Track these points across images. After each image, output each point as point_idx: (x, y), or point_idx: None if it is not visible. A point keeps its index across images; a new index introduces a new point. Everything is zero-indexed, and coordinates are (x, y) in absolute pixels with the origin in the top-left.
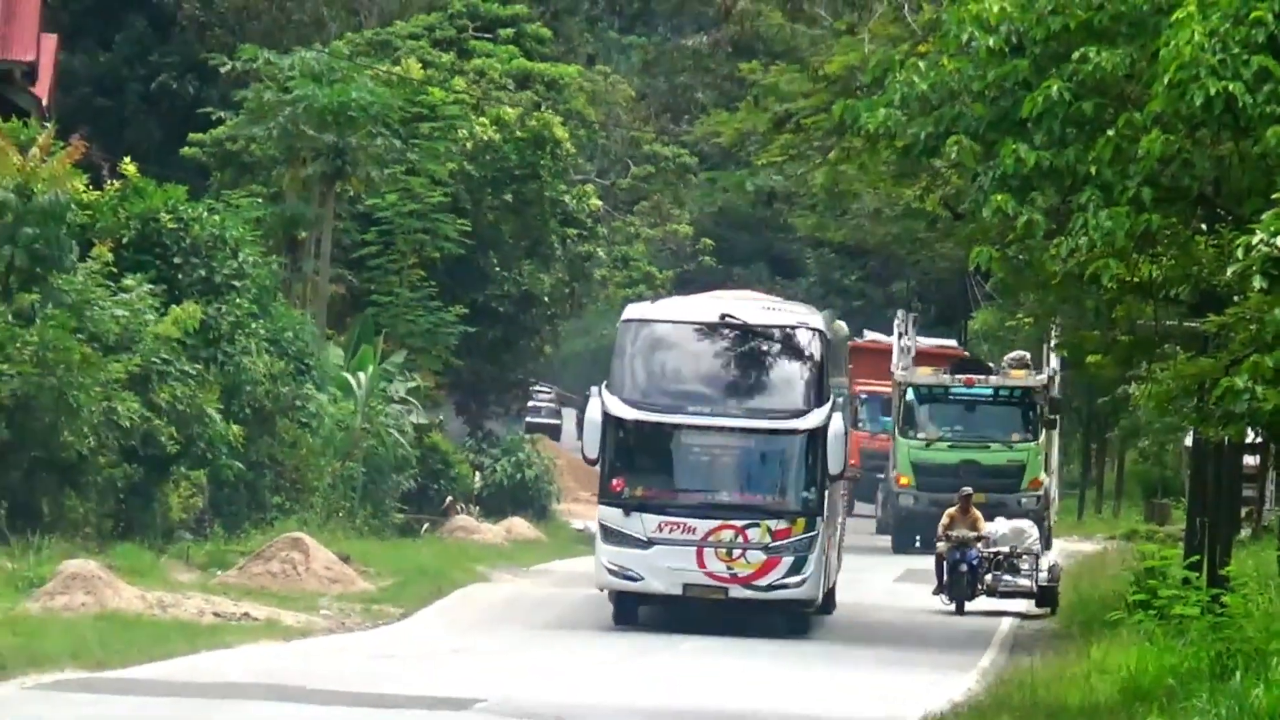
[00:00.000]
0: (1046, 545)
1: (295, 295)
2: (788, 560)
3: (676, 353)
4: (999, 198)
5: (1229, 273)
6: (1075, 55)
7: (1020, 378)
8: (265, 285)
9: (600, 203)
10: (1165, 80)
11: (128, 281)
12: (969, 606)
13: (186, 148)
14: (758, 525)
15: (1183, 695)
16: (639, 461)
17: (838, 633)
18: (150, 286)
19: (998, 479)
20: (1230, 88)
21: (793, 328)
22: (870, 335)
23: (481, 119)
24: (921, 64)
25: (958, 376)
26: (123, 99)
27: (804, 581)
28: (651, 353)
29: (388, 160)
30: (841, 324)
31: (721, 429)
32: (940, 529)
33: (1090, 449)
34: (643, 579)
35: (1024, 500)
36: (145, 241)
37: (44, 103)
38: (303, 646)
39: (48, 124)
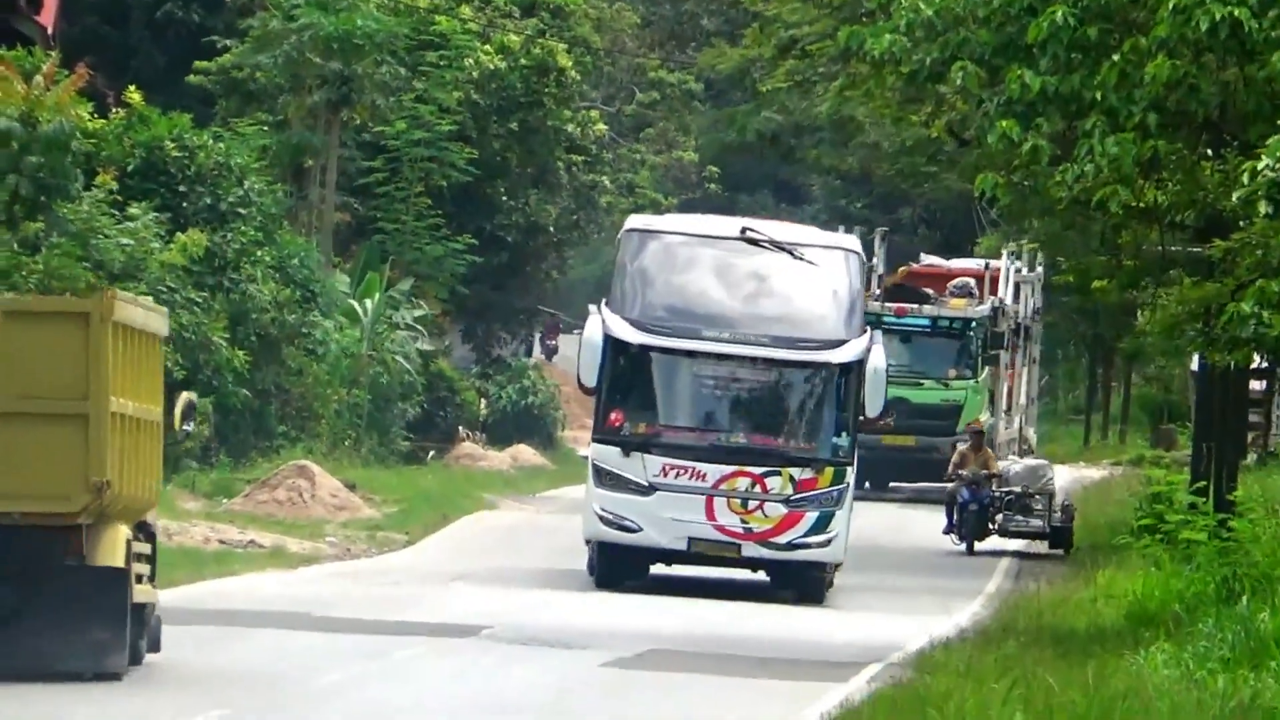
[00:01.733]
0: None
1: (301, 223)
2: (811, 516)
3: (689, 270)
4: (1004, 124)
5: (1235, 198)
6: None
7: (959, 307)
8: (271, 213)
9: (606, 130)
10: (1170, 5)
11: (133, 210)
12: (979, 546)
13: (192, 76)
14: (779, 473)
15: (1189, 620)
16: (643, 393)
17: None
18: (155, 215)
19: (930, 420)
20: (1236, 12)
21: (825, 247)
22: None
23: (486, 47)
24: None
25: (888, 305)
26: (127, 27)
27: (829, 541)
28: (660, 269)
29: (394, 88)
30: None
31: (741, 358)
32: (951, 467)
33: (1096, 374)
34: (641, 530)
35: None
36: (150, 170)
37: (48, 31)
38: (309, 574)
39: (52, 52)
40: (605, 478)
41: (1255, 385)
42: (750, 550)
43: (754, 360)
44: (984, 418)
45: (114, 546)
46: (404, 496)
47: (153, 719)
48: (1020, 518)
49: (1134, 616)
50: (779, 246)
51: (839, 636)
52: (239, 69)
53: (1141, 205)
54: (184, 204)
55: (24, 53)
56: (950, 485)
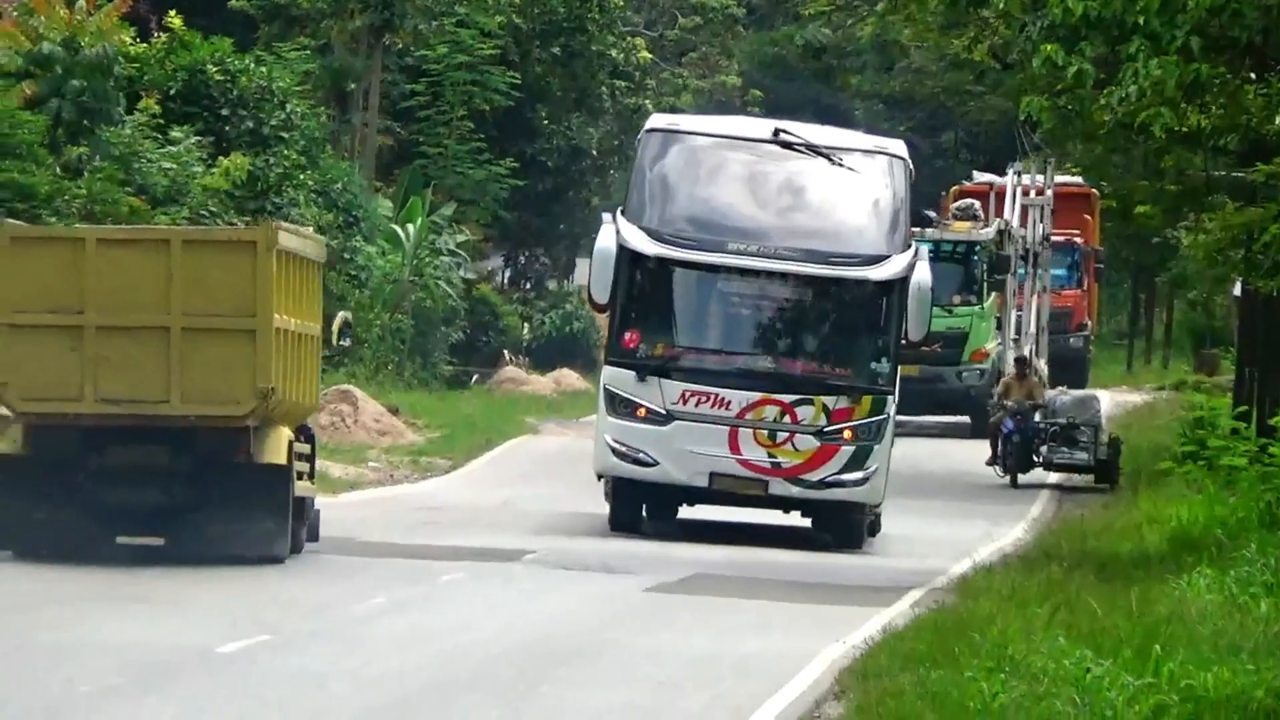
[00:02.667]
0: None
1: (343, 147)
2: (847, 450)
3: (715, 175)
4: (1048, 47)
5: (1278, 121)
6: None
7: (963, 230)
8: (313, 137)
9: (649, 55)
10: None
11: (175, 134)
12: (1023, 479)
13: (233, 1)
14: (810, 402)
15: (1232, 546)
16: (660, 311)
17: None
18: (198, 138)
19: (938, 349)
20: None
21: (867, 151)
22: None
23: None
24: None
25: None
26: None
27: (866, 479)
28: (683, 174)
29: (436, 12)
30: None
31: (770, 274)
32: (996, 397)
33: (1139, 299)
34: (657, 464)
35: (965, 374)
36: (192, 94)
37: None
38: (351, 499)
39: None
40: (619, 405)
41: None
42: (778, 487)
43: (784, 276)
44: (991, 346)
45: (278, 446)
46: (447, 421)
47: (208, 631)
48: (1065, 450)
49: (1177, 541)
50: (815, 150)
51: (882, 562)
52: None
53: (1185, 129)
54: (226, 128)
55: None
56: (995, 416)
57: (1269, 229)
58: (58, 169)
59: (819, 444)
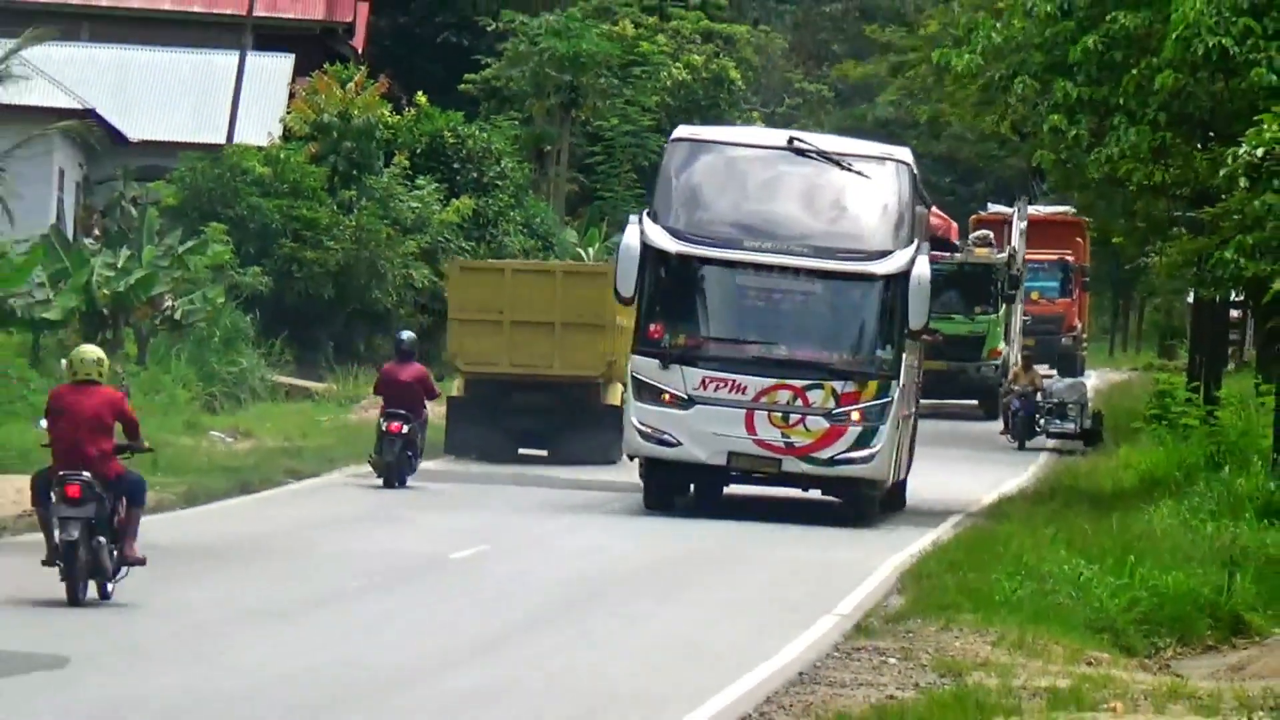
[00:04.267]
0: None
1: (542, 192)
2: (854, 431)
3: (733, 180)
4: (1054, 118)
5: (1220, 175)
6: (1108, 18)
7: (983, 255)
8: (520, 185)
9: (763, 124)
10: (1174, 36)
11: (419, 181)
12: (1028, 445)
13: (463, 84)
14: (821, 387)
15: (1186, 483)
16: (682, 304)
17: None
18: (436, 185)
19: (959, 348)
20: (1223, 41)
21: (874, 158)
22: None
23: (677, 64)
24: (996, 24)
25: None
26: (416, 48)
27: (872, 456)
28: (704, 179)
29: (609, 94)
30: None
31: (782, 269)
32: (1006, 383)
33: (1119, 304)
34: (680, 445)
35: (983, 368)
36: (433, 152)
37: (359, 52)
38: None
39: (362, 67)
40: (645, 390)
41: (1234, 313)
42: (790, 465)
43: (795, 270)
44: (1001, 347)
45: (615, 394)
46: None
47: (442, 543)
48: (1059, 422)
49: (1145, 481)
50: (826, 157)
51: (928, 496)
52: (497, 79)
53: (1153, 181)
54: (457, 177)
55: (342, 67)
56: (1005, 398)
57: (1213, 255)
58: (334, 206)
59: (828, 425)
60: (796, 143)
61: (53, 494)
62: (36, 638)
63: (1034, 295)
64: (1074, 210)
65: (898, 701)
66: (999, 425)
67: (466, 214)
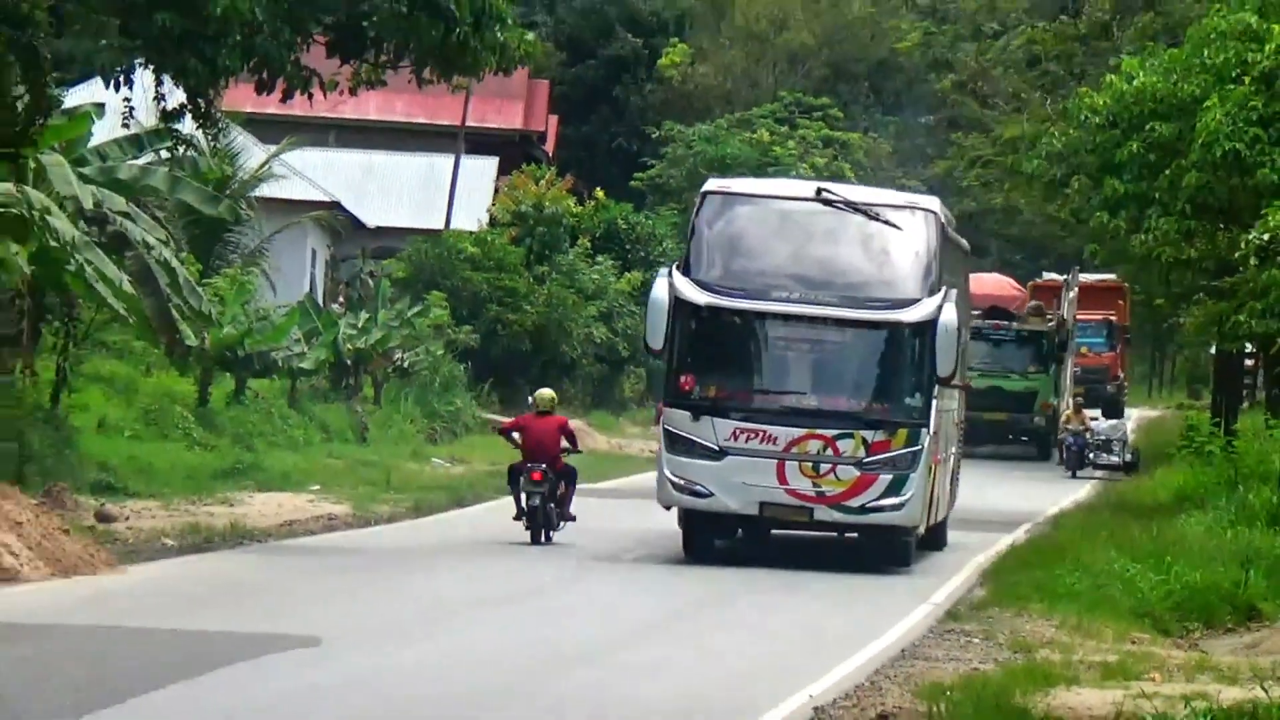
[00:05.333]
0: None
1: None
2: (885, 478)
3: (762, 231)
4: (1100, 214)
5: (1236, 254)
6: (1147, 127)
7: (1035, 324)
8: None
9: None
10: (1199, 142)
11: (599, 259)
12: (1079, 474)
13: (633, 181)
14: (851, 436)
15: (1210, 499)
16: (712, 356)
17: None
18: (612, 262)
19: (1016, 401)
20: (1237, 146)
21: (901, 207)
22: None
23: (803, 164)
24: (1057, 132)
25: (988, 321)
26: (596, 152)
27: (904, 504)
28: (733, 231)
29: None
30: (961, 241)
31: (810, 319)
32: (1061, 424)
33: (1155, 355)
34: (712, 495)
35: (1036, 419)
36: (609, 235)
37: (550, 155)
38: None
39: (552, 167)
40: (676, 442)
41: (1248, 362)
42: (822, 514)
43: (823, 320)
44: (1051, 401)
45: None
46: None
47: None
48: (1105, 455)
49: (1177, 497)
50: (854, 207)
51: (1003, 509)
52: (660, 177)
53: (1183, 258)
54: (628, 255)
55: (535, 168)
56: (1059, 436)
57: (1231, 317)
58: (530, 278)
59: (859, 473)
60: (824, 193)
61: (522, 478)
62: (296, 621)
63: (1084, 349)
64: (1118, 278)
65: (980, 673)
66: (1053, 460)
67: (636, 284)
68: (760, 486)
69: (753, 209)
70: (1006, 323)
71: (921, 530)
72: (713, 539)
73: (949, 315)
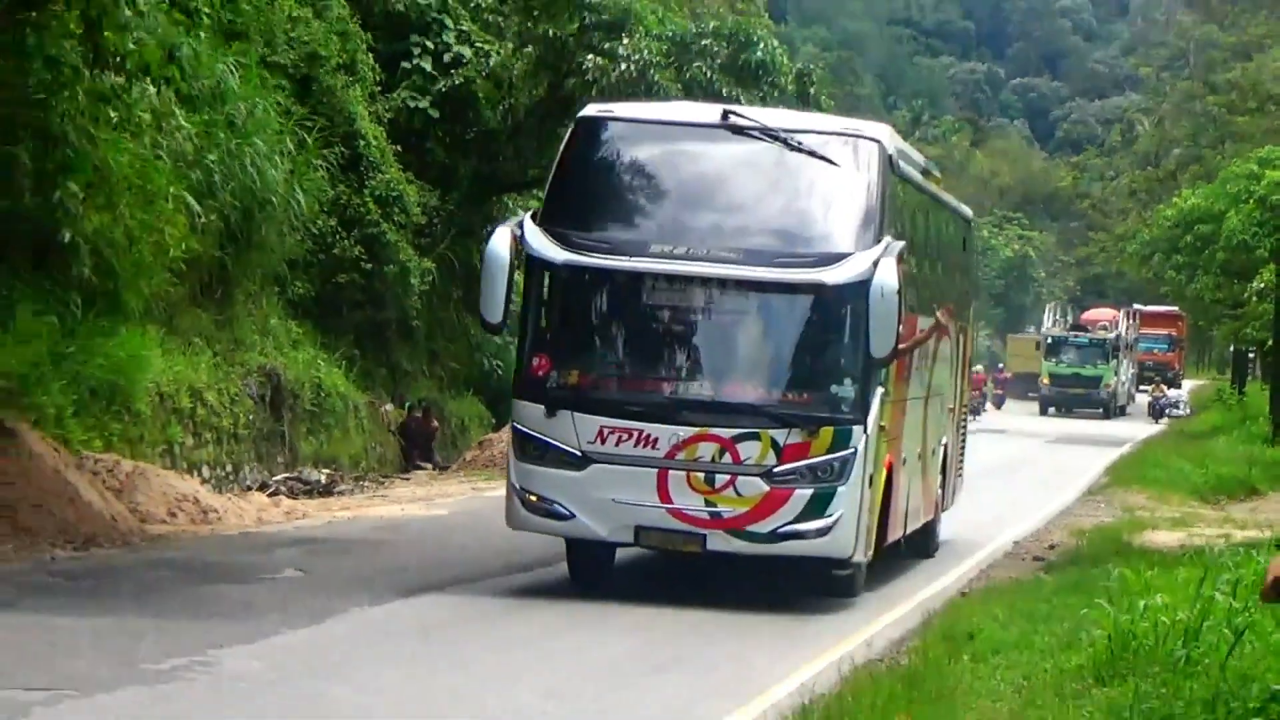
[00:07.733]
0: (1175, 385)
1: None
2: (803, 494)
3: (647, 167)
4: (1170, 273)
5: (1245, 296)
6: (1195, 228)
7: (1100, 334)
8: None
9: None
10: (1224, 234)
11: None
12: (1160, 423)
13: None
14: (756, 437)
15: (1230, 428)
16: (573, 331)
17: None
18: None
19: (1089, 382)
20: (1245, 239)
21: (834, 134)
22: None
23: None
24: (1145, 232)
25: (1073, 331)
26: None
27: (829, 528)
28: (609, 166)
29: None
30: (925, 183)
31: (703, 280)
32: (1150, 392)
33: (1200, 352)
34: (573, 517)
35: (1101, 393)
36: None
37: None
38: None
39: None
40: (528, 446)
41: (1251, 355)
42: (718, 542)
43: (720, 282)
44: (1111, 381)
45: None
46: None
47: None
48: (1174, 410)
49: (1213, 429)
50: (772, 135)
51: (1121, 434)
52: None
53: (1215, 299)
54: None
55: None
56: (1148, 399)
57: (1242, 330)
58: None
59: (768, 488)
60: (734, 118)
61: None
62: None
63: (1155, 352)
64: (1178, 309)
65: (1105, 523)
66: (1114, 423)
67: None
68: (636, 505)
69: (638, 137)
70: (1083, 333)
71: (861, 559)
72: (606, 569)
73: (887, 275)
